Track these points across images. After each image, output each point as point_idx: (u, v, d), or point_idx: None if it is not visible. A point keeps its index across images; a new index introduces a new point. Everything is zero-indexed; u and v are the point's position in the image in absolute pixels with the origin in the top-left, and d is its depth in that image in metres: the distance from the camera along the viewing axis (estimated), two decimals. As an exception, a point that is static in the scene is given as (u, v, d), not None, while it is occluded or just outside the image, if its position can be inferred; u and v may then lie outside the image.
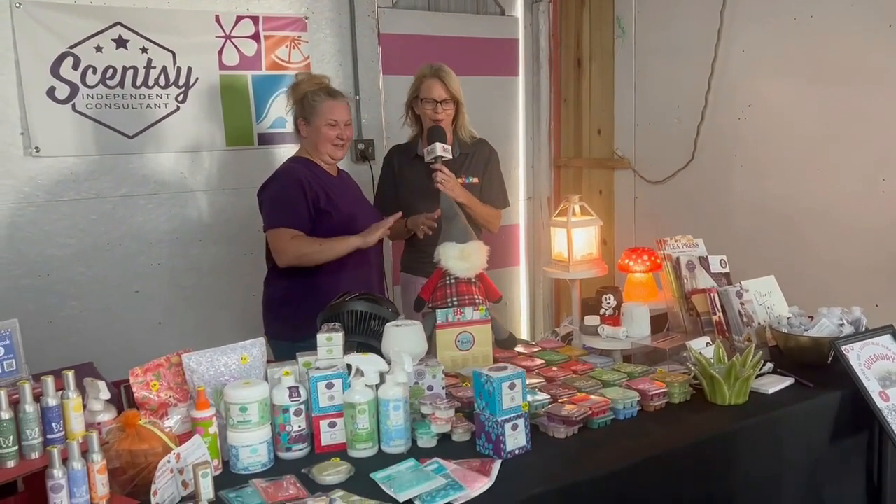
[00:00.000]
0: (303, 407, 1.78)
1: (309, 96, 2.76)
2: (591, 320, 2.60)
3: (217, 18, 3.46)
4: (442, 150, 2.75)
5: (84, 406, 1.68)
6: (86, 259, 3.28)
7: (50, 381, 1.62)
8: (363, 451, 1.77)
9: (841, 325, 2.30)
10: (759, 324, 2.44)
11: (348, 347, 2.00)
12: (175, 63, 3.38)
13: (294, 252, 2.64)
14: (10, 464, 1.58)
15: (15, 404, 1.60)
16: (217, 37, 3.47)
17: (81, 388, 1.68)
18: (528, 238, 4.55)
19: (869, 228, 2.99)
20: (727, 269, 2.63)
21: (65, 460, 1.48)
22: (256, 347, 1.88)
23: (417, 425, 1.83)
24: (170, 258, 3.47)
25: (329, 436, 1.80)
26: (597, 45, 4.11)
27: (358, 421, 1.76)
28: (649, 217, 3.89)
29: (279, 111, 3.52)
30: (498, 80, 4.31)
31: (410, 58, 3.80)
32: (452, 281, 2.30)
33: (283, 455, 1.77)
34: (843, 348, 2.12)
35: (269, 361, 1.95)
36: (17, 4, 3.04)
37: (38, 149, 3.13)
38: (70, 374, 1.64)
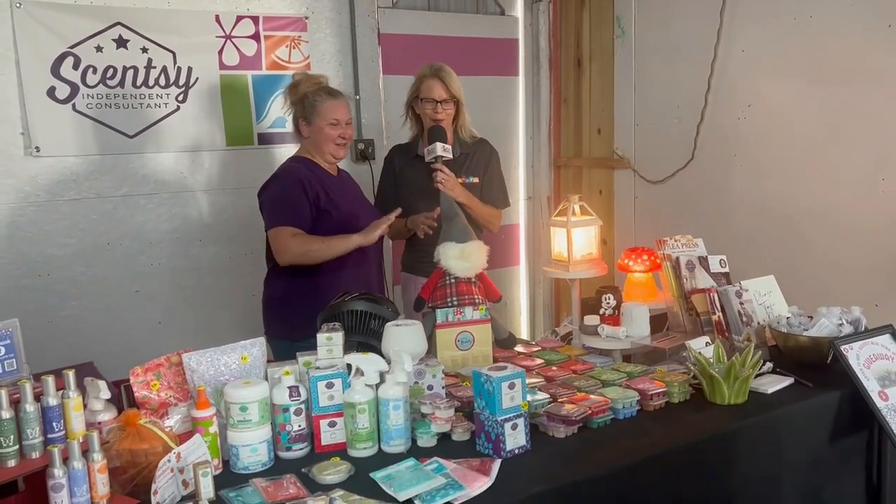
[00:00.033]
0: (303, 406, 1.79)
1: (310, 96, 2.77)
2: (591, 320, 2.60)
3: (217, 18, 3.47)
4: (442, 149, 2.75)
5: (84, 405, 1.68)
6: (86, 259, 3.28)
7: (50, 381, 1.62)
8: (363, 450, 1.77)
9: (840, 324, 2.30)
10: (758, 323, 2.44)
11: (348, 347, 2.01)
12: (175, 63, 3.38)
13: (295, 250, 2.64)
14: (11, 463, 1.58)
15: (15, 404, 1.60)
16: (217, 37, 3.47)
17: (82, 388, 1.69)
18: (528, 238, 4.55)
19: (868, 228, 2.99)
20: (727, 269, 2.63)
21: (65, 460, 1.48)
22: (256, 347, 1.88)
23: (417, 425, 1.83)
24: (170, 258, 3.47)
25: (329, 435, 1.80)
26: (597, 45, 4.11)
27: (358, 420, 1.76)
28: (649, 217, 3.90)
29: (279, 111, 3.52)
30: (498, 80, 4.31)
31: (410, 58, 3.80)
32: (452, 280, 2.30)
33: (283, 454, 1.78)
34: (842, 348, 2.12)
35: (269, 361, 1.95)
36: (18, 4, 3.04)
37: (38, 148, 3.13)
38: (70, 374, 1.64)
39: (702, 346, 2.20)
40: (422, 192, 2.87)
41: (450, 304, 2.28)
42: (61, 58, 3.14)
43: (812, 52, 3.11)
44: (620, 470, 1.73)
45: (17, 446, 1.58)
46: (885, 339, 2.21)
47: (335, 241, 2.65)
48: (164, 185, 3.42)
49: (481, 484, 1.59)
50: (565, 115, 4.37)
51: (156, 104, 3.36)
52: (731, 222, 3.46)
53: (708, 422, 1.94)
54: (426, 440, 1.81)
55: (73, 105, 3.18)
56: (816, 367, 2.23)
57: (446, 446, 1.80)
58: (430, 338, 2.23)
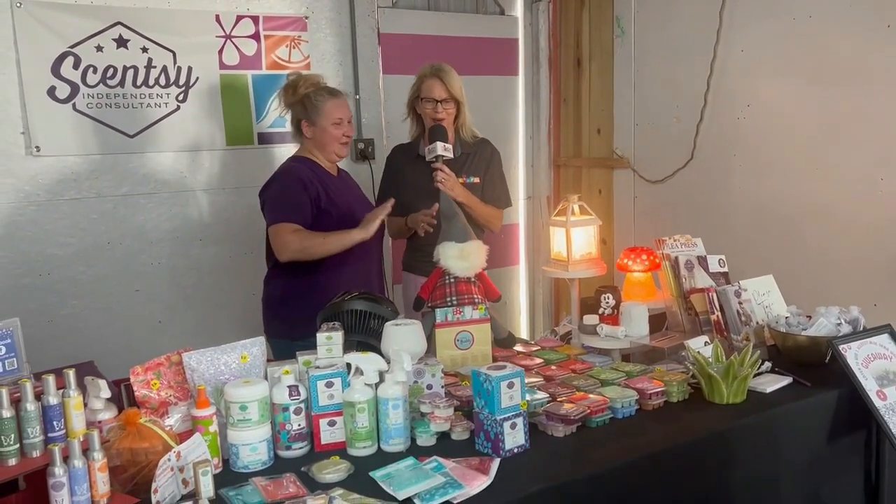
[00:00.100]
0: (302, 405, 1.79)
1: (311, 97, 2.77)
2: (590, 319, 2.60)
3: (217, 18, 3.47)
4: (443, 149, 2.75)
5: (85, 404, 1.69)
6: (86, 258, 3.28)
7: (51, 380, 1.63)
8: (362, 449, 1.77)
9: (839, 324, 2.30)
10: (757, 323, 2.44)
11: (348, 346, 2.01)
12: (175, 62, 3.39)
13: (295, 246, 2.64)
14: (12, 462, 1.59)
15: (16, 403, 1.61)
16: (217, 36, 3.48)
17: (82, 387, 1.69)
18: (528, 237, 4.56)
19: (867, 228, 2.99)
20: (726, 269, 2.64)
21: (66, 458, 1.48)
22: (256, 346, 1.89)
23: (417, 424, 1.83)
24: (170, 257, 3.47)
25: (329, 434, 1.81)
26: (596, 45, 4.12)
27: (357, 419, 1.76)
28: (648, 216, 3.90)
29: (279, 111, 3.53)
30: (497, 80, 4.32)
31: (410, 57, 3.81)
32: (452, 280, 2.31)
33: (283, 453, 1.78)
34: (840, 347, 2.12)
35: (268, 360, 1.96)
36: (18, 4, 3.04)
37: (38, 148, 3.14)
38: (71, 373, 1.65)
39: (700, 346, 2.21)
40: (423, 192, 2.87)
41: (449, 304, 2.28)
42: (62, 57, 3.14)
43: (811, 52, 3.11)
44: (619, 469, 1.73)
45: (17, 445, 1.59)
46: (884, 338, 2.22)
47: (335, 237, 2.65)
48: (164, 185, 3.43)
49: (480, 483, 1.60)
50: (565, 114, 4.37)
51: (156, 104, 3.36)
52: (730, 222, 3.47)
53: (706, 421, 1.95)
54: (425, 439, 1.81)
55: (74, 105, 3.19)
56: (815, 366, 2.24)
57: (445, 445, 1.81)
58: (430, 337, 2.23)
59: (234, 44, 3.52)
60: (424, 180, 2.80)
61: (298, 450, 1.79)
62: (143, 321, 3.41)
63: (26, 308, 3.08)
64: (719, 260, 2.64)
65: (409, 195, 2.98)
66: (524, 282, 4.59)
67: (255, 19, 3.56)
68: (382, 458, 1.75)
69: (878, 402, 2.05)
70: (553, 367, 2.29)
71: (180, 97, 3.41)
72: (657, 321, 2.63)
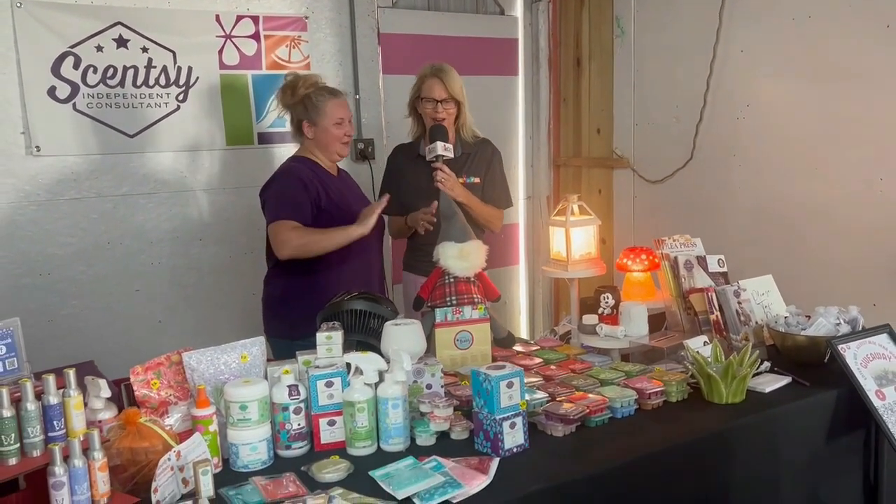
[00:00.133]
0: (302, 405, 1.79)
1: (312, 98, 2.78)
2: (590, 319, 2.61)
3: (217, 18, 3.47)
4: (443, 148, 2.76)
5: (85, 404, 1.69)
6: (86, 258, 3.29)
7: (51, 380, 1.63)
8: (362, 448, 1.78)
9: (838, 324, 2.31)
10: (756, 323, 2.45)
11: (347, 346, 2.01)
12: (175, 62, 3.39)
13: (296, 242, 2.63)
14: (12, 461, 1.59)
15: (17, 402, 1.61)
16: (217, 36, 3.48)
17: (82, 387, 1.70)
18: (528, 237, 4.56)
19: (866, 228, 3.00)
20: (725, 269, 2.64)
21: (66, 458, 1.49)
22: (256, 346, 1.89)
23: (416, 423, 1.84)
24: (170, 257, 3.48)
25: (328, 434, 1.81)
26: (596, 45, 4.12)
27: (357, 419, 1.77)
28: (648, 216, 3.90)
29: (278, 111, 3.53)
30: (497, 80, 4.32)
31: (410, 57, 3.81)
32: (451, 280, 2.31)
33: (283, 453, 1.78)
34: (839, 347, 2.12)
35: (268, 360, 1.96)
36: (18, 4, 3.05)
37: (38, 148, 3.14)
38: (71, 373, 1.65)
39: (700, 346, 2.21)
40: (423, 192, 2.87)
41: (449, 304, 2.29)
42: (62, 57, 3.15)
43: (811, 52, 3.11)
44: (618, 468, 1.73)
45: (18, 444, 1.60)
46: (883, 338, 2.22)
47: (334, 233, 2.65)
48: (164, 185, 3.43)
49: (480, 482, 1.60)
50: (565, 114, 4.38)
51: (156, 104, 3.36)
52: (729, 222, 3.47)
53: (705, 421, 1.95)
54: (425, 439, 1.82)
55: (74, 104, 3.19)
56: (814, 366, 2.24)
57: (445, 445, 1.81)
58: (429, 337, 2.24)
59: (234, 44, 3.52)
60: (425, 180, 2.80)
61: (298, 449, 1.79)
62: (143, 321, 3.42)
63: (26, 308, 3.08)
64: (718, 260, 2.64)
65: (410, 195, 2.98)
66: (524, 282, 4.59)
67: (255, 19, 3.56)
68: (382, 457, 1.75)
69: (876, 402, 2.05)
70: (552, 367, 2.29)
71: (180, 97, 3.42)
72: (656, 321, 2.63)
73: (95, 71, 3.22)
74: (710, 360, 2.09)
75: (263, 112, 3.62)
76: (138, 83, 3.31)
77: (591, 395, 1.98)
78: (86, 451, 1.51)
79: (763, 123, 3.33)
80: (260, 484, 1.61)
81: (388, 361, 1.84)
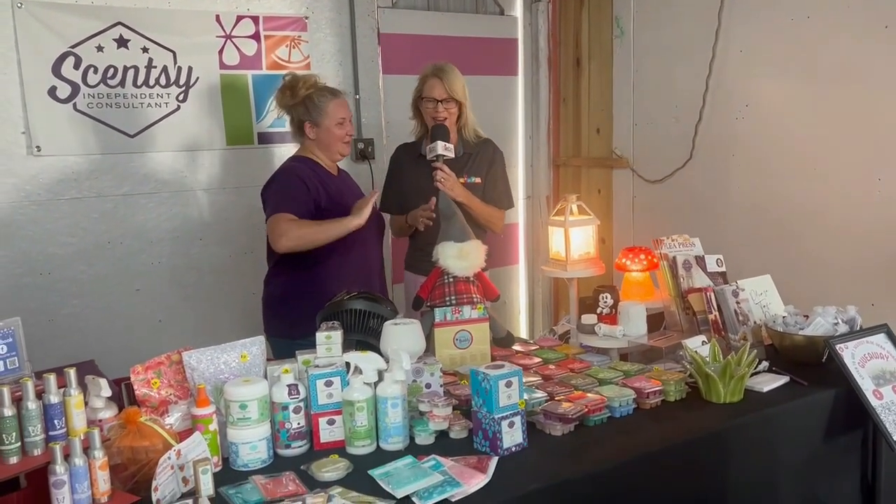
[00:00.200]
0: (302, 404, 1.80)
1: (314, 98, 2.78)
2: (589, 319, 2.62)
3: (217, 18, 3.48)
4: (443, 148, 2.76)
5: (86, 403, 1.70)
6: (87, 257, 3.29)
7: (52, 379, 1.64)
8: (361, 447, 1.78)
9: (836, 323, 2.31)
10: (754, 322, 2.45)
11: (347, 345, 2.02)
12: (175, 62, 3.39)
13: (293, 233, 2.62)
14: (13, 460, 1.60)
15: (17, 401, 1.62)
16: (217, 36, 3.49)
17: (83, 386, 1.70)
18: (527, 237, 4.56)
19: (865, 228, 3.00)
20: (723, 269, 2.65)
21: (67, 457, 1.50)
22: (256, 345, 1.90)
23: (415, 422, 1.84)
24: (170, 257, 3.48)
25: (328, 433, 1.82)
26: (595, 45, 4.13)
27: (356, 418, 1.77)
28: (647, 216, 3.91)
29: (277, 111, 3.53)
30: (497, 80, 4.32)
31: (410, 57, 3.82)
32: (451, 279, 2.32)
33: (283, 452, 1.79)
34: (837, 347, 2.13)
35: (268, 359, 1.97)
36: (19, 4, 3.05)
37: (39, 148, 3.14)
38: (72, 372, 1.66)
39: (698, 345, 2.22)
40: (424, 191, 2.88)
41: (448, 303, 2.29)
42: (62, 57, 3.15)
43: (809, 52, 3.12)
44: (617, 467, 1.74)
45: (18, 443, 1.60)
46: (880, 338, 2.23)
47: (330, 224, 2.65)
48: (164, 185, 3.43)
49: (478, 481, 1.61)
50: (564, 114, 4.38)
51: (156, 104, 3.37)
52: (728, 222, 3.47)
53: (703, 420, 1.96)
54: (424, 438, 1.82)
55: (74, 104, 3.19)
56: (812, 365, 2.25)
57: (444, 444, 1.81)
58: (429, 336, 2.24)
59: (234, 44, 3.52)
60: (426, 179, 2.80)
61: (298, 448, 1.80)
62: (143, 320, 3.42)
63: (27, 307, 3.08)
64: (717, 259, 2.65)
65: (411, 194, 2.98)
66: (523, 281, 4.60)
67: (255, 19, 3.56)
68: (381, 456, 1.76)
69: (874, 402, 2.06)
70: (551, 367, 2.30)
71: (180, 97, 3.42)
72: (655, 321, 2.64)
73: (96, 71, 3.22)
74: (708, 359, 2.10)
75: (263, 112, 3.62)
76: (139, 83, 3.32)
77: (589, 395, 1.99)
78: (86, 449, 1.52)
79: (762, 123, 3.34)
80: (260, 483, 1.62)
81: (387, 361, 1.85)
